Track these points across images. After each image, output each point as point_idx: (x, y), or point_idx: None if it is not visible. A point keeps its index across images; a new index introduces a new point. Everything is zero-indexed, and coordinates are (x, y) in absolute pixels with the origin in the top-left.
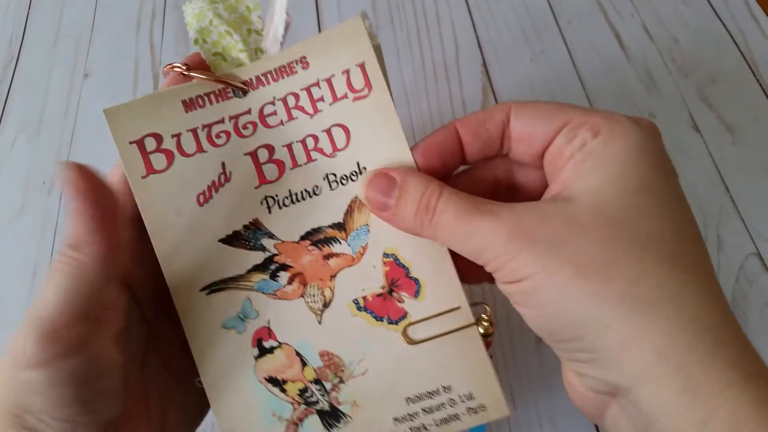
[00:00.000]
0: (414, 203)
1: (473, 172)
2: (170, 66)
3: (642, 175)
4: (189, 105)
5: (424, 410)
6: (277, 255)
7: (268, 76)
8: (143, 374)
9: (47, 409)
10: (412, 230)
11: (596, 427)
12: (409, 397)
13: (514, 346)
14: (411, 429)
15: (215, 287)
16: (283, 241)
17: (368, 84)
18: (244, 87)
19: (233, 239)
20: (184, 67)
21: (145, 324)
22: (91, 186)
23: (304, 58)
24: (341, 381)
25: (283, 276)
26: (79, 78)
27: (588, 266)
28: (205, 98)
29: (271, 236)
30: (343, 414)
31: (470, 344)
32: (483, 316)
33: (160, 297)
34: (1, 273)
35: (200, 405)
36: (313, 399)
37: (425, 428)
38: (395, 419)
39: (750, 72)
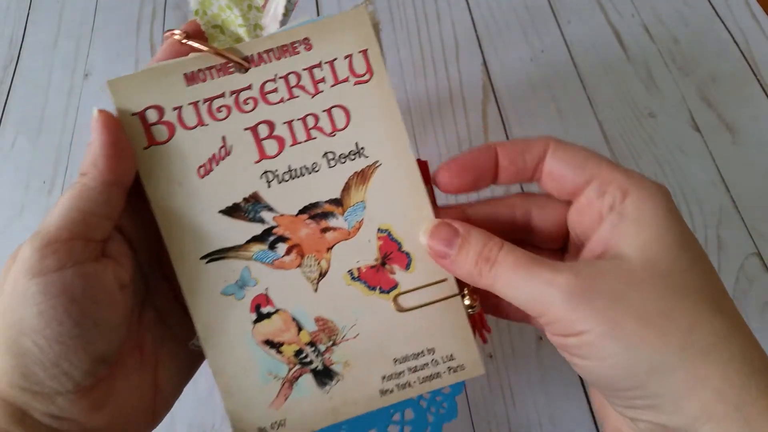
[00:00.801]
0: (475, 254)
1: (493, 205)
2: (170, 32)
3: (676, 234)
4: (190, 78)
5: (410, 369)
6: (275, 227)
7: (270, 53)
8: (139, 324)
9: (40, 326)
10: (470, 278)
11: (596, 426)
12: (396, 358)
13: (513, 346)
14: (397, 386)
15: (215, 256)
16: (282, 215)
17: (370, 69)
18: (245, 64)
19: (233, 211)
20: (183, 35)
21: (142, 278)
22: (113, 122)
23: (308, 39)
24: (334, 344)
25: (281, 247)
26: (79, 78)
27: (649, 317)
28: (207, 72)
29: (270, 209)
30: (336, 373)
31: (453, 312)
32: (466, 290)
33: (157, 254)
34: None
35: (191, 360)
36: (308, 360)
37: (410, 385)
38: (383, 377)
39: (750, 72)
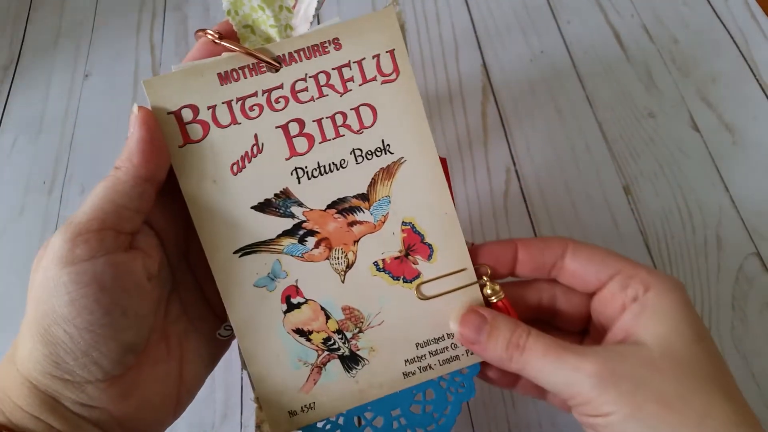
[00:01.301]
0: (504, 340)
1: (523, 288)
2: (203, 31)
3: (692, 327)
4: (224, 78)
5: (431, 353)
6: (305, 222)
7: (301, 53)
8: (165, 316)
9: (71, 315)
10: (500, 362)
11: None
12: (418, 343)
13: None
14: (419, 368)
15: (248, 250)
16: (311, 209)
17: (396, 69)
18: (277, 64)
19: (265, 206)
20: (216, 36)
21: (170, 271)
22: (151, 119)
23: (337, 39)
24: (360, 331)
25: (311, 241)
26: (79, 78)
27: (668, 400)
28: (240, 72)
29: (300, 204)
30: (362, 358)
31: (471, 299)
32: (485, 278)
33: (184, 248)
34: (1, 274)
35: (214, 352)
36: (335, 346)
37: (431, 367)
38: (406, 361)
39: (750, 72)
